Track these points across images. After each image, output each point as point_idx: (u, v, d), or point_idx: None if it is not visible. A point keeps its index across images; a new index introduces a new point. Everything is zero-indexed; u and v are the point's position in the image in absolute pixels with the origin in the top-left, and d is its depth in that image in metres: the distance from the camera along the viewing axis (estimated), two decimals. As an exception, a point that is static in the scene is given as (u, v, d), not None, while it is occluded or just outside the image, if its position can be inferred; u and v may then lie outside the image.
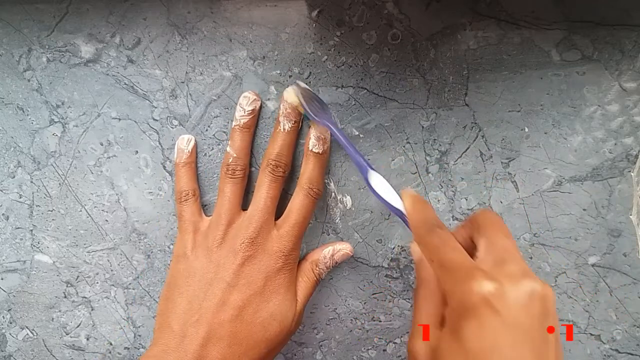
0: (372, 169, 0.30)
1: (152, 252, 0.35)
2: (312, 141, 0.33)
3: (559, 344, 0.23)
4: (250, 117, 0.33)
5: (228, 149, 0.33)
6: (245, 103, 0.33)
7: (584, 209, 0.34)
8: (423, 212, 0.27)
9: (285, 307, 0.31)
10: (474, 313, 0.22)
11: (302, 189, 0.32)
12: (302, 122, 0.34)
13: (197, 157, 0.35)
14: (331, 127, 0.30)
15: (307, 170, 0.32)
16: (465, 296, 0.22)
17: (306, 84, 0.34)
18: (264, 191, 0.32)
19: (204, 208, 0.35)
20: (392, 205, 0.28)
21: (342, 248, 0.34)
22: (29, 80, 0.35)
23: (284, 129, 0.32)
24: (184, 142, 0.34)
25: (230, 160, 0.32)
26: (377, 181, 0.29)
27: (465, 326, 0.22)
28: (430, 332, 0.25)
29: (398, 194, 0.29)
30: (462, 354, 0.22)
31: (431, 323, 0.25)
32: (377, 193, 0.29)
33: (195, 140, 0.34)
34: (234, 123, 0.33)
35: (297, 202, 0.32)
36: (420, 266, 0.28)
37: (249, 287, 0.30)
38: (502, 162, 0.34)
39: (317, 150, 0.32)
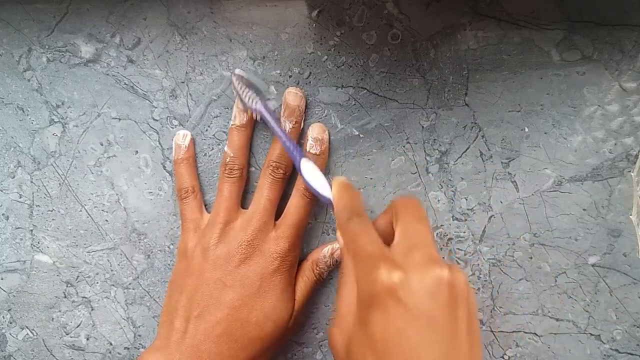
0: (304, 157, 0.30)
1: (152, 252, 0.35)
2: (310, 142, 0.33)
3: (473, 330, 0.22)
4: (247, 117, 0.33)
5: (226, 148, 0.33)
6: (241, 103, 0.33)
7: (584, 209, 0.34)
8: (346, 200, 0.28)
9: (280, 308, 0.31)
10: (379, 303, 0.22)
11: (298, 190, 0.32)
12: (303, 123, 0.34)
13: (196, 156, 0.35)
14: (263, 113, 0.31)
15: None
16: (371, 286, 0.23)
17: (306, 83, 0.34)
18: (264, 193, 0.32)
19: (205, 207, 0.35)
20: (320, 193, 0.29)
21: None
22: (29, 80, 0.35)
23: (285, 130, 0.32)
24: (180, 138, 0.34)
25: (228, 159, 0.32)
26: (309, 169, 0.30)
27: (371, 316, 0.22)
28: (346, 321, 0.25)
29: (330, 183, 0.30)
30: (369, 344, 0.22)
31: (349, 312, 0.25)
32: (307, 181, 0.30)
33: (192, 135, 0.34)
34: (231, 123, 0.33)
35: (294, 203, 0.32)
36: (343, 254, 0.28)
37: (244, 287, 0.30)
38: (502, 162, 0.34)
39: (314, 152, 0.33)
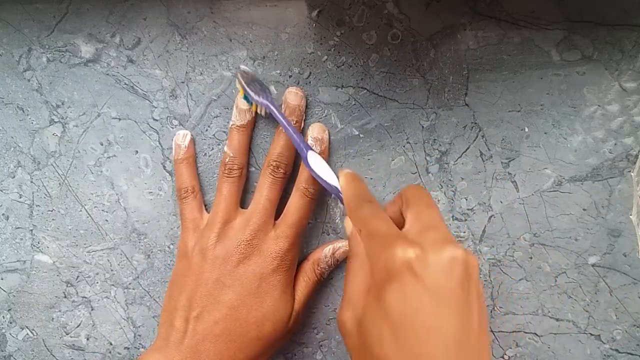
0: (311, 149, 0.31)
1: (152, 252, 0.35)
2: (310, 142, 0.33)
3: (483, 309, 0.23)
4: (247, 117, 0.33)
5: (225, 148, 0.33)
6: (243, 103, 0.33)
7: (584, 209, 0.34)
8: (356, 188, 0.29)
9: (279, 308, 0.31)
10: (397, 278, 0.22)
11: (298, 190, 0.32)
12: (303, 123, 0.34)
13: (196, 156, 0.35)
14: (270, 106, 0.31)
15: (305, 170, 0.32)
16: (388, 262, 0.23)
17: (306, 83, 0.34)
18: (263, 192, 0.32)
19: (205, 207, 0.35)
20: (329, 184, 0.30)
21: (342, 246, 0.34)
22: (29, 80, 0.35)
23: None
24: (180, 138, 0.34)
25: (228, 159, 0.32)
26: (316, 161, 0.31)
27: (387, 291, 0.23)
28: (356, 302, 0.26)
29: (336, 174, 0.31)
30: (384, 318, 0.22)
31: (359, 293, 0.26)
32: (315, 173, 0.31)
33: (192, 135, 0.34)
34: (230, 123, 0.33)
35: (293, 203, 0.32)
36: (352, 240, 0.28)
37: (243, 287, 0.30)
38: (502, 162, 0.34)
39: (314, 150, 0.33)
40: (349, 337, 0.26)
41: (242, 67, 0.33)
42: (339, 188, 0.30)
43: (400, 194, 0.28)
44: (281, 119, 0.31)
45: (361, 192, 0.29)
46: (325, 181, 0.31)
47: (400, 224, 0.26)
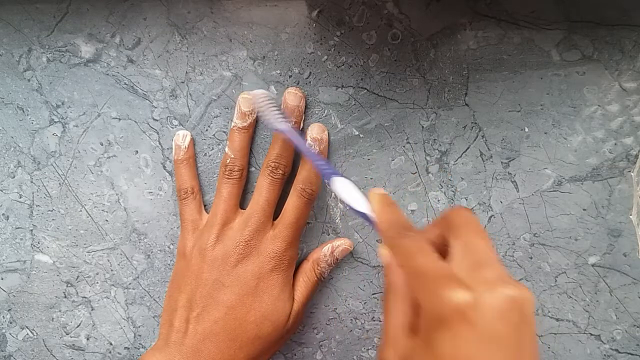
0: (338, 174, 0.29)
1: (152, 252, 0.35)
2: (308, 142, 0.33)
3: (535, 350, 0.22)
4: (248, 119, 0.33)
5: (226, 149, 0.33)
6: (245, 105, 0.33)
7: (584, 209, 0.34)
8: (392, 214, 0.26)
9: (278, 308, 0.31)
10: (448, 324, 0.21)
11: (296, 190, 0.32)
12: (303, 123, 0.34)
13: (196, 156, 0.35)
14: (290, 134, 0.30)
15: (303, 170, 0.32)
16: (439, 306, 0.21)
17: (306, 83, 0.34)
18: (262, 193, 0.32)
19: (205, 208, 0.35)
20: (358, 211, 0.27)
21: (341, 244, 0.34)
22: (29, 80, 0.35)
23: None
24: (180, 138, 0.34)
25: (228, 160, 0.32)
26: (342, 186, 0.28)
27: (438, 338, 0.21)
28: (401, 341, 0.24)
29: (365, 195, 0.28)
30: None
31: (402, 331, 0.24)
32: (343, 199, 0.28)
33: (192, 136, 0.34)
34: (232, 124, 0.33)
35: (291, 203, 0.32)
36: (390, 270, 0.26)
37: (241, 287, 0.30)
38: (502, 162, 0.34)
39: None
40: None
41: (261, 91, 0.31)
42: (370, 213, 0.27)
43: (445, 217, 0.26)
44: (303, 147, 0.30)
45: (398, 219, 0.26)
46: (354, 209, 0.28)
47: (442, 249, 0.25)
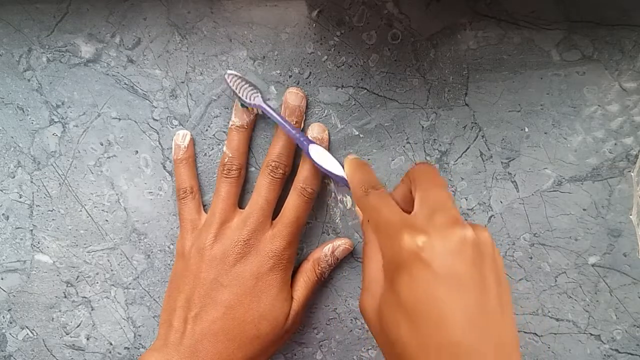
0: (312, 142, 0.31)
1: (152, 252, 0.35)
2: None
3: (501, 285, 0.23)
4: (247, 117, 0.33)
5: (224, 148, 0.33)
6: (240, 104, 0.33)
7: (584, 209, 0.34)
8: (360, 175, 0.29)
9: (276, 307, 0.31)
10: (406, 268, 0.22)
11: (296, 189, 0.32)
12: (303, 123, 0.34)
13: (196, 156, 0.35)
14: (263, 106, 0.31)
15: (303, 170, 0.32)
16: (397, 252, 0.23)
17: (306, 83, 0.34)
18: (262, 193, 0.32)
19: (205, 208, 0.35)
20: (334, 174, 0.31)
21: (342, 243, 0.34)
22: (29, 80, 0.35)
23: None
24: (180, 138, 0.34)
25: (226, 159, 0.33)
26: (319, 153, 0.31)
27: (399, 282, 0.23)
28: (374, 289, 0.26)
29: (340, 163, 0.31)
30: (399, 307, 0.23)
31: (375, 280, 0.26)
32: (319, 164, 0.31)
33: (191, 135, 0.34)
34: (230, 123, 0.33)
35: (291, 202, 0.32)
36: (364, 227, 0.28)
37: (239, 286, 0.30)
38: (502, 162, 0.34)
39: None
40: (370, 322, 0.26)
41: (229, 71, 0.33)
42: (345, 177, 0.30)
43: (408, 173, 0.28)
44: (277, 117, 0.31)
45: (367, 178, 0.28)
46: (331, 172, 0.31)
47: (410, 204, 0.26)
